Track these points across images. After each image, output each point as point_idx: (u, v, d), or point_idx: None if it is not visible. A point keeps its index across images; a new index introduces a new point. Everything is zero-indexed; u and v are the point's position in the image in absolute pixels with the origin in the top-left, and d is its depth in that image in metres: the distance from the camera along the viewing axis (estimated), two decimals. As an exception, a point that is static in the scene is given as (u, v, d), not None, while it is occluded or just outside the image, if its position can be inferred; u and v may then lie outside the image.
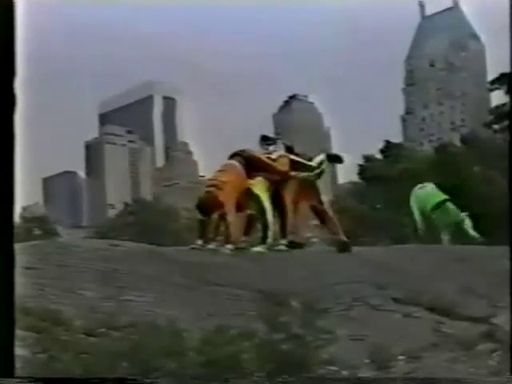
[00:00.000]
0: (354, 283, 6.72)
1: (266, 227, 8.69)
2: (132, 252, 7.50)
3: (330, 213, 9.17)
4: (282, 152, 9.19)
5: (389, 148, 40.64)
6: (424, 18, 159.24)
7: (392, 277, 7.07)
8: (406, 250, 9.53)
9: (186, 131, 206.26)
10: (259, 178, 8.79)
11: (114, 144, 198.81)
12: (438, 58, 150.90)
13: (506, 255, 5.50)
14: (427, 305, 6.19)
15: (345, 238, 8.88)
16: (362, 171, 37.95)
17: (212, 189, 8.40)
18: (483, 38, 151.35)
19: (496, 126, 38.36)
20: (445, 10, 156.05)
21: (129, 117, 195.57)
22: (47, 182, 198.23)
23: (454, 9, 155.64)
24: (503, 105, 37.72)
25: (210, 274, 6.72)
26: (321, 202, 9.12)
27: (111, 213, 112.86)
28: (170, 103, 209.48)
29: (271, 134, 10.46)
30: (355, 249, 8.93)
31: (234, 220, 8.41)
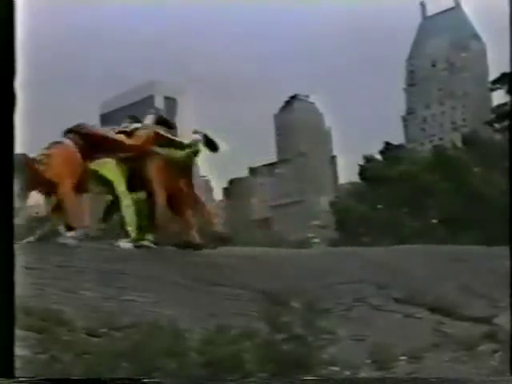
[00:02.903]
0: (354, 283, 6.72)
1: (123, 217, 7.51)
2: (132, 252, 7.49)
3: (202, 199, 8.16)
4: (142, 124, 7.82)
5: (389, 149, 40.66)
6: (425, 18, 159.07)
7: (393, 277, 7.07)
8: (406, 250, 9.52)
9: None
10: (106, 159, 7.47)
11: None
12: (439, 58, 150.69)
13: (505, 255, 5.49)
14: (428, 305, 6.19)
15: (220, 230, 8.16)
16: (363, 171, 37.94)
17: (37, 166, 7.18)
18: (484, 37, 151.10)
19: (497, 126, 38.37)
20: (446, 11, 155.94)
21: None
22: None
23: (455, 9, 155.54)
24: (504, 104, 37.74)
25: (211, 274, 6.71)
26: (191, 186, 7.98)
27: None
28: (170, 103, 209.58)
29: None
30: (356, 249, 8.90)
31: (73, 202, 7.31)
